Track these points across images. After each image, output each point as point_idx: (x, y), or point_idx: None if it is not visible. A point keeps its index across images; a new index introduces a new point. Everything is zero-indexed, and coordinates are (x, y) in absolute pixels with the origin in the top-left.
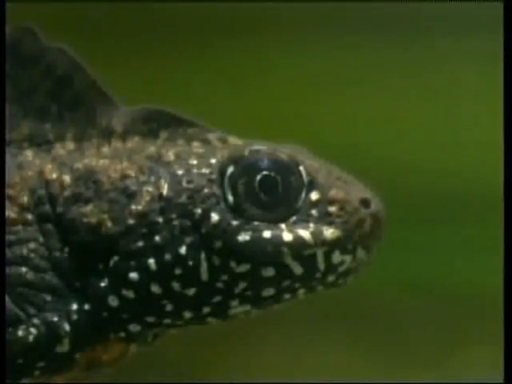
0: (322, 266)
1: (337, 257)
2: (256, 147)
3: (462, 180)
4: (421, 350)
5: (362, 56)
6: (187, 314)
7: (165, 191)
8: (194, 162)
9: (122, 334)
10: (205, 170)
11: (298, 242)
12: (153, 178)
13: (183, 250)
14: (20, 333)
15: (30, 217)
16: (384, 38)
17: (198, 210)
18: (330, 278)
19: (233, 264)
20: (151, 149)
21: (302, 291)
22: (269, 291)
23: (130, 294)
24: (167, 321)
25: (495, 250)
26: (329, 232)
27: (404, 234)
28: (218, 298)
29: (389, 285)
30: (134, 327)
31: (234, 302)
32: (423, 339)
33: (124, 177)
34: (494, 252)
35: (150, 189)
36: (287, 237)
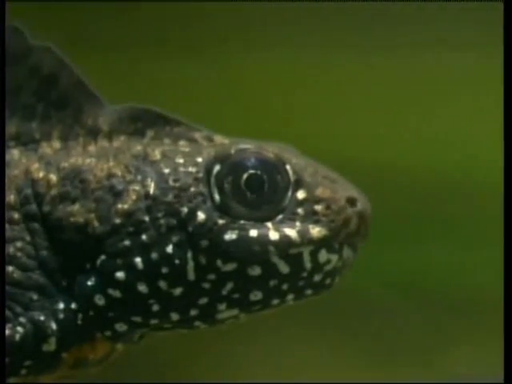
0: (308, 264)
1: (323, 256)
2: (242, 146)
3: (448, 178)
4: (408, 349)
5: (348, 54)
6: (174, 316)
7: (151, 190)
8: (181, 160)
9: (109, 334)
10: (191, 169)
11: (285, 240)
12: (139, 177)
13: (170, 248)
14: (7, 332)
15: (16, 216)
16: (369, 33)
17: (185, 209)
18: (317, 278)
19: (219, 263)
20: (138, 148)
21: (290, 296)
22: (256, 295)
23: (116, 293)
24: (154, 321)
25: (482, 248)
26: (315, 231)
27: (392, 232)
28: (205, 300)
29: (377, 284)
30: (121, 327)
31: (222, 306)
32: (411, 338)
33: (110, 176)
34: (481, 250)
35: (137, 188)
36: (273, 235)
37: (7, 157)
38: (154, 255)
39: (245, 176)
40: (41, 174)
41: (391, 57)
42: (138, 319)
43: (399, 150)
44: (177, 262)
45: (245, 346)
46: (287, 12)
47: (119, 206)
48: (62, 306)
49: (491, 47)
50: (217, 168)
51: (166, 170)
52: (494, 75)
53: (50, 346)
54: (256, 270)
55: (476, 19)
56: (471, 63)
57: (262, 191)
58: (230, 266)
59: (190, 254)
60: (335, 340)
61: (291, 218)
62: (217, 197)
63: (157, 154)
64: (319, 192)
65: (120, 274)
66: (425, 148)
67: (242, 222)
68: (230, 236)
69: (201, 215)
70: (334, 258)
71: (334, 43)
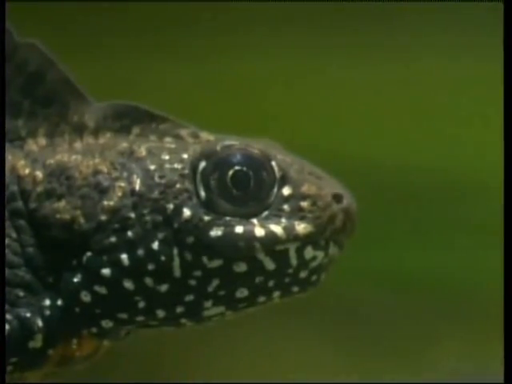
0: (294, 261)
1: (309, 252)
2: (228, 142)
3: (448, 179)
4: (395, 345)
5: (346, 55)
6: (160, 313)
7: (137, 186)
8: (166, 157)
9: (95, 330)
10: (177, 166)
11: (270, 237)
12: (125, 174)
13: (156, 245)
14: None
15: None
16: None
17: (170, 206)
18: (303, 274)
19: (205, 259)
20: (123, 144)
21: (276, 293)
22: (242, 292)
23: (102, 289)
24: (140, 318)
25: (468, 244)
26: (301, 227)
27: (391, 232)
28: (191, 297)
29: (362, 280)
30: (107, 323)
31: (208, 303)
32: (397, 333)
33: (96, 172)
34: (467, 247)
35: (123, 184)
36: (259, 232)
37: None
38: (140, 252)
39: (230, 172)
40: (27, 171)
41: (390, 59)
42: (124, 316)
43: (399, 150)
44: (162, 258)
45: (235, 347)
46: (280, 13)
47: (105, 202)
48: (48, 302)
49: (491, 48)
50: (202, 164)
51: (152, 167)
52: (494, 76)
53: (36, 342)
54: (242, 267)
55: (476, 20)
56: (471, 64)
57: (247, 188)
58: (216, 263)
59: (175, 251)
60: (321, 337)
61: (277, 215)
62: (202, 193)
63: (142, 151)
64: (305, 188)
65: (106, 271)
66: (424, 148)
67: (227, 218)
68: (215, 232)
69: (186, 212)
70: (320, 254)
71: (329, 44)
